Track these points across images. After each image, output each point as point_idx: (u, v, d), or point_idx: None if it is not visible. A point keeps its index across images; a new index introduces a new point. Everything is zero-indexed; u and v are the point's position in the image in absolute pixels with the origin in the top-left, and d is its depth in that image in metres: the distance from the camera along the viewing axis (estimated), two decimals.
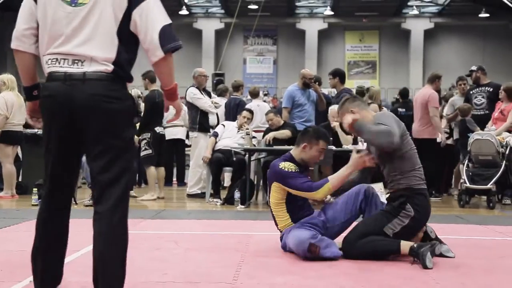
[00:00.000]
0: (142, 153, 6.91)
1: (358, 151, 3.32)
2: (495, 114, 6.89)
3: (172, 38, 2.02)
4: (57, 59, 2.04)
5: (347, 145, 6.25)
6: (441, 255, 3.28)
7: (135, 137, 6.89)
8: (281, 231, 3.50)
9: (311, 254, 3.17)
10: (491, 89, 7.21)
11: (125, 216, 2.03)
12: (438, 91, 7.56)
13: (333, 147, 6.10)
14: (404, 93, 9.24)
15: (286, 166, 3.37)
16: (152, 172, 7.00)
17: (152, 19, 2.01)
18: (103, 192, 2.01)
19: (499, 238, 4.15)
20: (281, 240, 3.51)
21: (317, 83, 7.16)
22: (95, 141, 2.01)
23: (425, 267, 2.95)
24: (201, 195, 7.07)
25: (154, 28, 2.01)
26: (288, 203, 3.42)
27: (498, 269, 3.06)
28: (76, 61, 2.02)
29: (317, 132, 3.48)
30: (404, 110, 8.42)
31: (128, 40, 2.04)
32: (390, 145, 3.12)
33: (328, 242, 3.22)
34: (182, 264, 3.13)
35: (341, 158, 6.36)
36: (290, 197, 3.40)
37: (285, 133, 6.57)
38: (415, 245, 3.08)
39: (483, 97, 7.22)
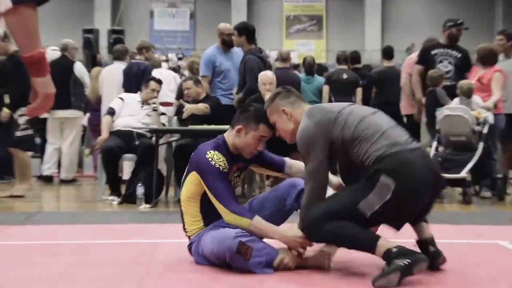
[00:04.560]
0: (18, 133, 6.80)
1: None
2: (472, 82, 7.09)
3: None
4: None
5: None
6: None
7: (4, 112, 6.66)
8: (189, 238, 3.45)
9: (240, 256, 3.10)
10: (460, 55, 7.39)
11: None
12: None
13: None
14: (354, 57, 9.41)
15: (215, 158, 3.29)
16: (27, 158, 6.96)
17: None
18: None
19: (474, 241, 4.29)
20: (189, 251, 3.46)
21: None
22: None
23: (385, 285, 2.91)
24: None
25: None
26: (203, 200, 3.36)
27: (472, 281, 3.13)
28: None
29: (259, 113, 3.40)
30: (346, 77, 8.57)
31: None
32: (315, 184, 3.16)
33: (264, 245, 3.19)
34: (62, 284, 3.05)
35: (277, 140, 6.40)
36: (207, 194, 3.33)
37: (199, 107, 6.52)
38: (394, 249, 2.94)
39: (450, 63, 7.36)
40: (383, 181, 3.00)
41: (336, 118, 3.17)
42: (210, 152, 3.31)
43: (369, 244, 3.01)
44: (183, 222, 3.50)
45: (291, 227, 3.25)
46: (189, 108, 6.54)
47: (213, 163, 3.27)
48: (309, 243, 3.26)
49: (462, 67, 7.29)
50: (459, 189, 6.90)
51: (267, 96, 6.42)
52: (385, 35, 26.05)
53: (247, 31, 7.00)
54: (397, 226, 3.15)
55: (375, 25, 25.91)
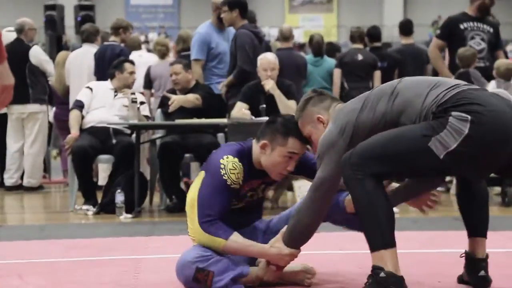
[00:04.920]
0: None
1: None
2: None
3: None
4: None
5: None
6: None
7: None
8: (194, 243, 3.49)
9: (199, 284, 3.22)
10: (492, 29, 7.37)
11: None
12: None
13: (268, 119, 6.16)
14: (373, 33, 9.38)
15: (228, 168, 3.30)
16: None
17: None
18: None
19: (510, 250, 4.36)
20: None
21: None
22: None
23: None
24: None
25: None
26: None
27: None
28: None
29: (287, 124, 3.35)
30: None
31: None
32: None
33: (228, 263, 3.26)
34: None
35: None
36: None
37: (188, 98, 6.56)
38: (383, 274, 2.94)
39: (482, 40, 7.33)
40: (457, 115, 2.89)
41: (361, 110, 3.10)
42: (227, 158, 3.32)
43: (376, 242, 2.99)
44: (187, 225, 3.51)
45: (274, 242, 3.31)
46: (176, 100, 6.52)
47: (222, 172, 3.29)
48: (295, 255, 3.30)
49: (495, 45, 7.27)
50: (497, 189, 6.96)
51: (268, 84, 6.47)
52: (408, 7, 26.07)
53: (240, 5, 6.99)
54: (478, 175, 3.09)
55: None
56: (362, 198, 2.99)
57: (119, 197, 6.16)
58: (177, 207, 6.34)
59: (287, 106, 6.46)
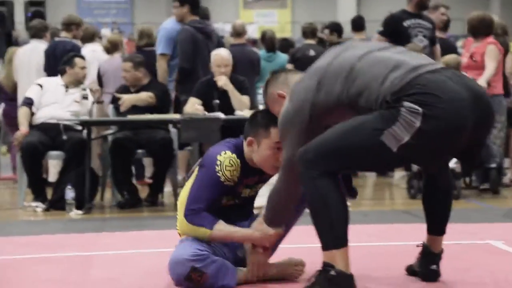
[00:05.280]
0: None
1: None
2: (464, 59, 7.20)
3: None
4: None
5: (243, 111, 6.34)
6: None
7: None
8: (180, 237, 3.45)
9: (191, 284, 3.20)
10: (431, 26, 7.41)
11: None
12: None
13: (221, 114, 6.20)
14: (337, 29, 9.41)
15: (224, 165, 3.28)
16: None
17: None
18: None
19: (464, 242, 4.40)
20: None
21: None
22: None
23: None
24: None
25: None
26: None
27: None
28: None
29: (266, 116, 3.35)
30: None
31: None
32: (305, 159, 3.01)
33: (221, 266, 3.25)
34: None
35: (234, 133, 6.43)
36: None
37: (141, 96, 6.55)
38: (333, 272, 2.95)
39: (425, 36, 7.35)
40: (408, 106, 2.86)
41: (318, 89, 3.07)
42: (225, 154, 3.31)
43: (328, 242, 2.99)
44: (177, 219, 3.46)
45: (257, 225, 3.31)
46: (127, 100, 6.49)
47: (217, 169, 3.28)
48: (279, 234, 3.31)
49: (433, 41, 7.34)
50: None
51: (221, 80, 6.46)
52: (361, 4, 26.26)
53: (190, 1, 7.00)
54: (434, 165, 3.08)
55: None
56: (314, 197, 2.98)
57: (69, 194, 6.12)
58: (129, 203, 6.33)
59: (240, 101, 6.46)
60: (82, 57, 6.89)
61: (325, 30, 10.23)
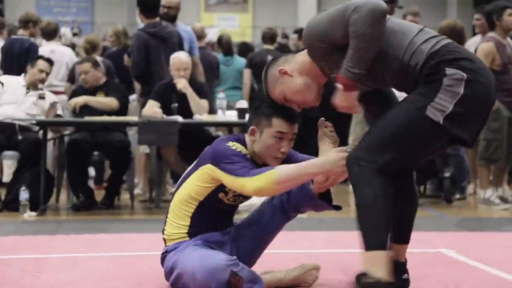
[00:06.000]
0: None
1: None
2: None
3: None
4: None
5: (201, 114, 6.35)
6: None
7: None
8: (165, 243, 3.39)
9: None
10: None
11: None
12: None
13: (179, 118, 6.20)
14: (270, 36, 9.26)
15: (236, 144, 3.27)
16: None
17: None
18: None
19: (416, 250, 4.40)
20: (162, 260, 3.39)
21: None
22: None
23: None
24: None
25: None
26: (202, 205, 3.32)
27: None
28: None
29: (270, 106, 3.28)
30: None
31: None
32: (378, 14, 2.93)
33: (252, 275, 3.19)
34: None
35: (192, 136, 6.47)
36: (211, 197, 3.32)
37: (104, 102, 6.53)
38: (373, 279, 2.93)
39: None
40: (451, 73, 2.94)
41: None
42: (233, 143, 3.27)
43: (372, 241, 2.96)
44: (164, 222, 3.41)
45: (325, 155, 3.16)
46: (75, 100, 6.45)
47: (234, 148, 3.23)
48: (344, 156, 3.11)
49: None
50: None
51: (180, 83, 6.45)
52: (322, 8, 26.42)
53: (140, 3, 6.95)
54: (471, 137, 3.04)
55: None
56: (367, 195, 2.96)
57: (24, 195, 6.06)
58: (84, 206, 6.30)
59: (199, 105, 6.46)
60: (46, 60, 6.78)
61: (293, 35, 10.27)
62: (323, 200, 3.37)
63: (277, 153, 3.26)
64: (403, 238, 3.38)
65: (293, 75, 3.20)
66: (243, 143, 3.33)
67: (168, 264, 3.33)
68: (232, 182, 3.17)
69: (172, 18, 7.22)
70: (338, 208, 3.45)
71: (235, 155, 3.21)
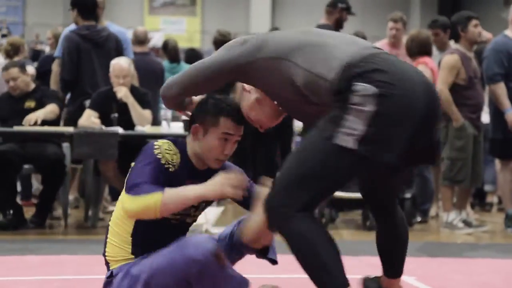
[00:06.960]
0: None
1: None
2: None
3: None
4: None
5: (144, 126, 6.30)
6: None
7: None
8: (108, 267, 3.26)
9: (216, 260, 3.01)
10: None
11: None
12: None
13: (120, 129, 6.16)
14: (221, 41, 9.35)
15: (163, 148, 3.17)
16: None
17: None
18: None
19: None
20: (105, 286, 3.25)
21: None
22: None
23: None
24: None
25: None
26: (140, 222, 3.20)
27: None
28: None
29: (218, 103, 3.24)
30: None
31: None
32: None
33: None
34: None
35: (134, 150, 6.35)
36: None
37: (51, 111, 6.42)
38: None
39: None
40: (358, 89, 2.75)
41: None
42: (162, 141, 3.21)
43: (330, 286, 2.83)
44: (105, 243, 3.29)
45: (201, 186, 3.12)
46: (31, 116, 6.30)
47: (156, 152, 3.15)
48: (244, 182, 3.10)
49: None
50: (359, 212, 7.15)
51: (120, 92, 6.38)
52: (276, 15, 26.54)
53: (77, 4, 6.90)
54: (396, 159, 2.82)
55: (264, 2, 26.34)
56: (297, 241, 2.85)
57: None
58: (12, 224, 6.18)
59: (141, 116, 6.39)
60: None
61: None
62: (261, 254, 3.41)
63: (220, 155, 3.22)
64: (395, 273, 3.39)
65: (250, 91, 3.18)
66: (181, 145, 3.26)
67: (122, 284, 3.16)
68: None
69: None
70: (274, 262, 3.46)
71: (151, 160, 3.13)
